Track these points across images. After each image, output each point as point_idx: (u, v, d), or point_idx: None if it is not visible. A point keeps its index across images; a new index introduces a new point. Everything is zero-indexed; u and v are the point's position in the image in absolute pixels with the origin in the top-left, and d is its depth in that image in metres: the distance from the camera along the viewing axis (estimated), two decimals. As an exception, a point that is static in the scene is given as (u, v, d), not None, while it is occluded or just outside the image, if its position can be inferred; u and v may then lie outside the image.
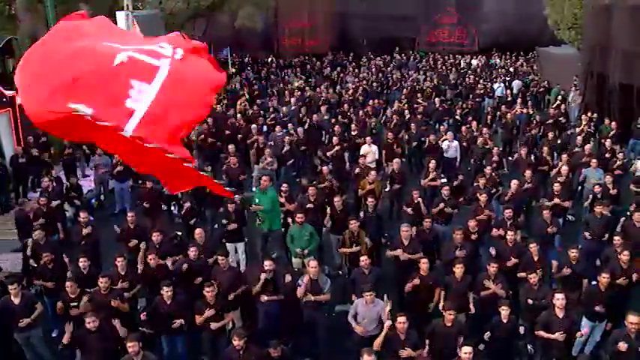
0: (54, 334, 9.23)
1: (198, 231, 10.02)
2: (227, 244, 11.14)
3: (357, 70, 32.03)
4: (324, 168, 13.09)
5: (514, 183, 11.86)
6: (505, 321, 7.74)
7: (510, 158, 17.01)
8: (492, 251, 9.68)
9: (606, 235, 10.09)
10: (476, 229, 10.12)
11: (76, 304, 8.17)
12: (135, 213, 10.96)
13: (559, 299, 7.55)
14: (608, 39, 19.95)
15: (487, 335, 7.83)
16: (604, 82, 20.55)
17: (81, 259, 8.96)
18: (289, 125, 17.09)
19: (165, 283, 8.13)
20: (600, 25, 20.55)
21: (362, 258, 8.83)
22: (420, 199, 11.41)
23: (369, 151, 14.81)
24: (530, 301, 8.22)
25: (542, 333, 7.63)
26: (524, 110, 20.38)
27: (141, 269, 9.37)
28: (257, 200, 10.92)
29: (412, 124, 17.48)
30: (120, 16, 20.92)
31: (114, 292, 8.28)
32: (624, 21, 18.71)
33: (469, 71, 31.79)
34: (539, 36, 32.14)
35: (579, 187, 13.72)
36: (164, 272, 9.13)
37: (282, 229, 10.97)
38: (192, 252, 9.27)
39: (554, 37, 28.60)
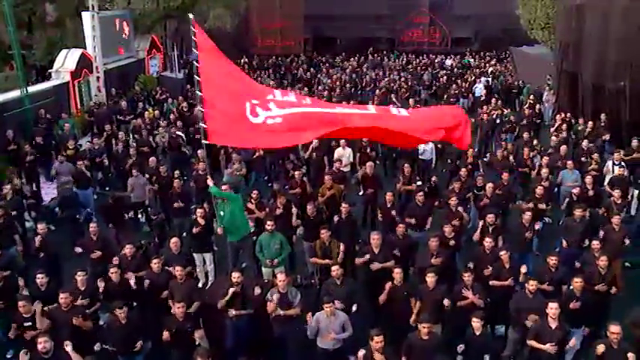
0: (9, 355, 8.69)
1: (174, 240, 9.62)
2: (195, 254, 10.74)
3: (330, 71, 31.71)
4: (297, 173, 12.67)
5: (489, 186, 11.62)
6: (478, 334, 7.41)
7: (485, 159, 16.86)
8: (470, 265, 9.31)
9: (586, 241, 9.85)
10: (452, 235, 9.82)
11: (31, 324, 7.62)
12: (98, 223, 10.44)
13: (552, 309, 7.27)
14: (580, 38, 19.94)
15: (460, 348, 7.52)
16: (576, 81, 20.54)
17: (38, 275, 8.43)
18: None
19: (117, 305, 7.64)
20: (572, 25, 20.54)
21: (333, 268, 8.47)
22: (391, 204, 11.07)
23: (343, 154, 14.45)
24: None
25: (533, 343, 7.35)
26: (499, 111, 20.19)
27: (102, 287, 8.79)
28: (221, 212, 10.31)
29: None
30: (85, 16, 20.41)
31: (76, 309, 7.78)
32: (596, 20, 18.68)
33: (443, 71, 31.68)
34: (513, 36, 32.16)
35: (555, 189, 13.54)
36: (127, 288, 8.66)
37: (254, 238, 10.47)
38: (155, 265, 8.84)
39: (527, 37, 28.63)
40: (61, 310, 7.72)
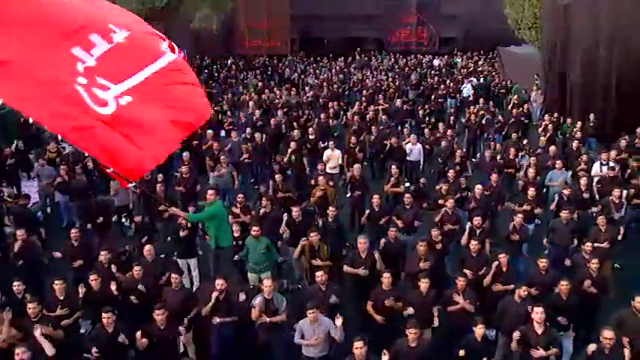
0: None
1: (147, 248, 9.41)
2: (179, 260, 10.51)
3: (317, 72, 31.54)
4: (277, 176, 12.49)
5: (478, 188, 11.49)
6: (479, 339, 7.24)
7: (474, 160, 16.75)
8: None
9: (575, 241, 9.73)
10: (439, 239, 9.66)
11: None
12: (79, 229, 10.19)
13: (537, 313, 7.12)
14: (568, 38, 19.92)
15: (462, 353, 7.33)
16: (564, 81, 20.52)
17: (15, 283, 8.19)
18: (247, 130, 16.43)
19: (105, 309, 7.44)
20: (559, 24, 20.53)
21: (317, 273, 8.27)
22: (378, 207, 10.90)
23: (333, 156, 14.30)
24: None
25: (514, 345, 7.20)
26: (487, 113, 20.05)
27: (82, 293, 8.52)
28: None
29: (373, 127, 17.01)
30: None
31: (45, 319, 7.52)
32: (583, 20, 18.66)
33: (431, 71, 31.60)
34: (501, 35, 32.14)
35: (544, 190, 13.44)
36: (109, 294, 8.42)
37: (233, 242, 10.23)
38: (136, 272, 8.64)
39: (515, 37, 28.61)
40: (30, 321, 7.45)
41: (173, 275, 8.34)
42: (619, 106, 17.08)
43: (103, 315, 7.36)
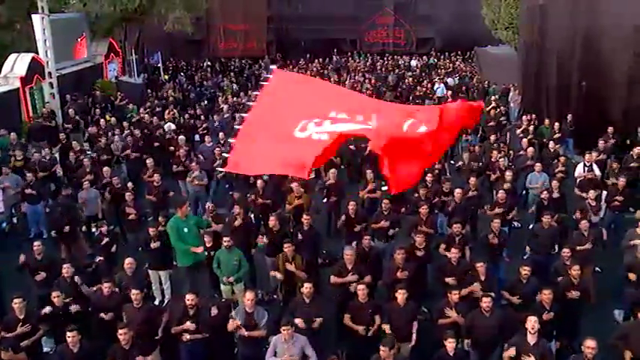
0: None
1: (128, 261, 9.01)
2: (150, 271, 10.14)
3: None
4: (259, 182, 12.12)
5: (457, 192, 11.25)
6: (452, 354, 6.95)
7: (453, 162, 16.54)
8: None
9: (556, 247, 9.53)
10: (423, 245, 9.34)
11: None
12: (42, 242, 9.75)
13: (531, 321, 6.85)
14: (544, 38, 19.87)
15: None
16: (541, 81, 20.46)
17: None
18: (220, 135, 16.04)
19: (69, 328, 7.06)
20: (536, 25, 20.48)
21: (306, 285, 7.89)
22: (354, 214, 10.58)
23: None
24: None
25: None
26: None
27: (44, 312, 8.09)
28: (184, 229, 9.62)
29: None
30: (35, 19, 19.49)
31: (6, 341, 7.11)
32: (559, 21, 18.61)
33: (408, 72, 31.43)
34: (478, 36, 32.10)
35: (524, 192, 13.29)
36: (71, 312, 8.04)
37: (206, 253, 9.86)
38: (106, 288, 8.24)
39: (492, 37, 28.57)
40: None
41: (133, 291, 7.90)
42: (592, 107, 17.02)
43: (68, 334, 6.99)
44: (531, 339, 6.87)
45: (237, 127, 7.24)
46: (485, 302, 7.46)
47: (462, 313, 7.69)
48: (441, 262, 9.13)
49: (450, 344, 6.87)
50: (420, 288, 8.62)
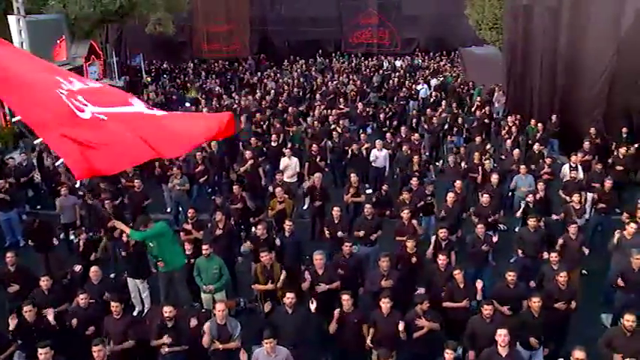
0: None
1: (93, 269, 8.78)
2: (129, 280, 9.85)
3: (278, 75, 30.94)
4: (235, 187, 11.86)
5: (450, 197, 11.02)
6: None
7: (437, 164, 16.38)
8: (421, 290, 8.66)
9: (545, 253, 9.36)
10: (414, 250, 9.07)
11: None
12: (15, 252, 9.41)
13: (501, 335, 6.65)
14: (528, 38, 19.81)
15: None
16: (525, 81, 20.40)
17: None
18: (202, 138, 15.71)
19: (41, 344, 6.75)
20: (520, 25, 20.42)
21: (288, 295, 7.61)
22: (338, 219, 10.36)
23: (289, 164, 13.68)
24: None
25: None
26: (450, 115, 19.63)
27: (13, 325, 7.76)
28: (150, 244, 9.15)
29: (334, 132, 16.49)
30: (11, 20, 19.07)
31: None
32: (544, 21, 18.55)
33: (393, 73, 31.29)
34: (462, 36, 32.07)
35: (510, 194, 13.15)
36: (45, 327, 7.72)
37: (192, 261, 9.57)
38: (82, 300, 7.98)
39: (476, 37, 28.53)
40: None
41: (113, 303, 7.66)
42: (576, 107, 16.95)
43: (40, 350, 6.67)
44: (503, 351, 6.68)
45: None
46: (487, 310, 7.31)
47: (433, 318, 7.52)
48: (428, 268, 8.91)
49: (449, 355, 6.71)
50: (410, 295, 8.29)
